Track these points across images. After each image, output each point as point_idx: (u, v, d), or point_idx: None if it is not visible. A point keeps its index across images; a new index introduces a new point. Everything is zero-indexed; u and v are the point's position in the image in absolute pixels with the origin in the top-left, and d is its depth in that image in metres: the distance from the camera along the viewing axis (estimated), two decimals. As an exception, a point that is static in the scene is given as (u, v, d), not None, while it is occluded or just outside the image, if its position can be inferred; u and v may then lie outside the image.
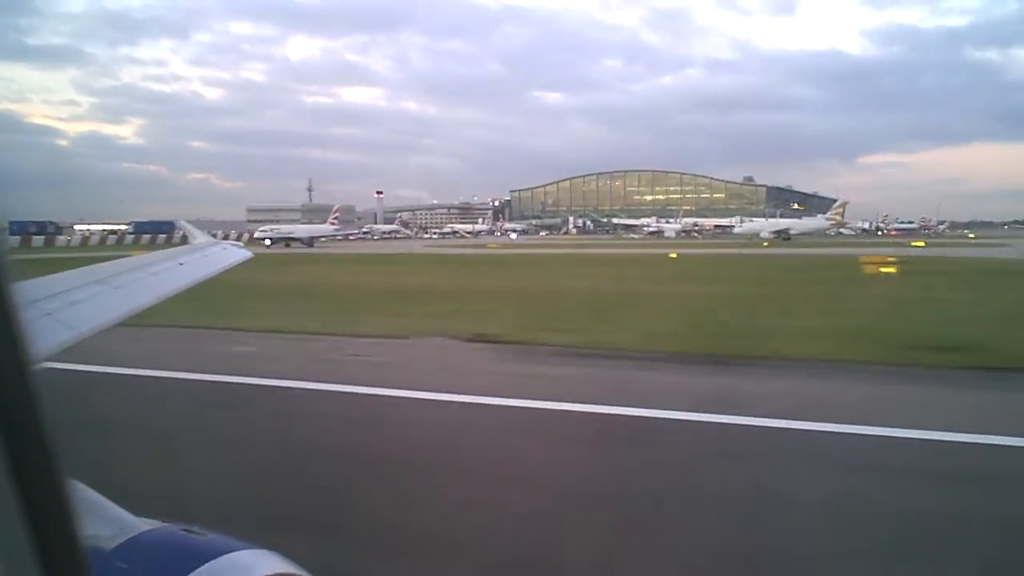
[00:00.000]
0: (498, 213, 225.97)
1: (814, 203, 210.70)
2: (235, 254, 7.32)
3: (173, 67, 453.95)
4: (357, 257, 60.58)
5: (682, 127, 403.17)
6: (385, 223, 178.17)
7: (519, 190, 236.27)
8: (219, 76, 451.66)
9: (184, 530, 1.90)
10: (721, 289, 28.52)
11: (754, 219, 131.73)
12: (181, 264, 5.53)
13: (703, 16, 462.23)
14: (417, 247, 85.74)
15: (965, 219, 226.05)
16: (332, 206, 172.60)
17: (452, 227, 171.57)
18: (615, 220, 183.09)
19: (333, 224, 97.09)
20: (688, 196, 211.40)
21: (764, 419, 9.38)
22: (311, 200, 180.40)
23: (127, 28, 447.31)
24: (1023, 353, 13.55)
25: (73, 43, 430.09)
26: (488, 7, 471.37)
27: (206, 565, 1.68)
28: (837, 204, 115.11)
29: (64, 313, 3.31)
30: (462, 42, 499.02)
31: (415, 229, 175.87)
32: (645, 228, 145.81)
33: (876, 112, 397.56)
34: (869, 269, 36.41)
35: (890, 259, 43.03)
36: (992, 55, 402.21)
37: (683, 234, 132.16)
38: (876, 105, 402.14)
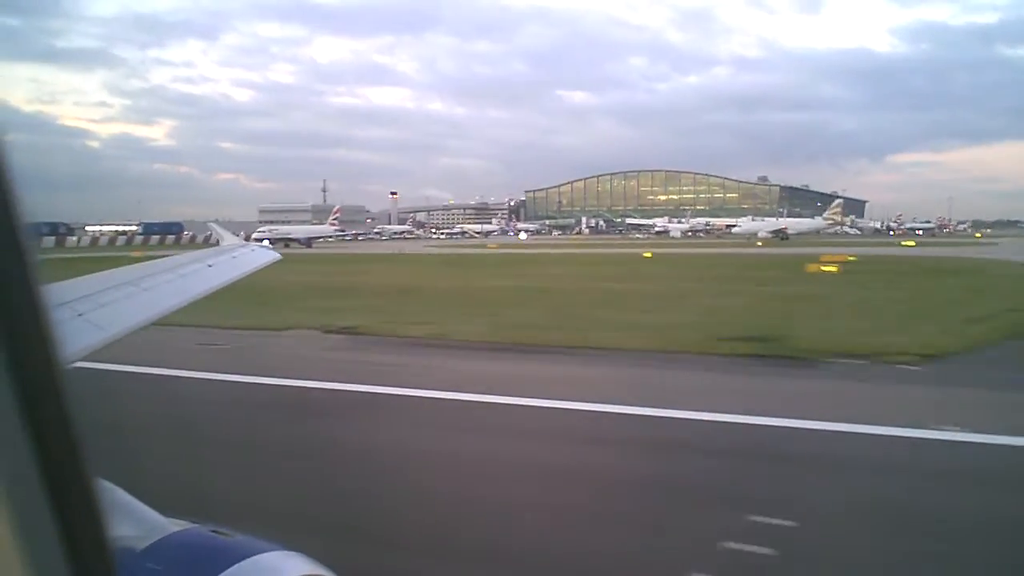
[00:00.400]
0: (514, 213, 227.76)
1: (833, 202, 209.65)
2: (263, 256, 7.59)
3: (202, 69, 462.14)
4: (340, 257, 62.37)
5: (708, 126, 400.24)
6: (399, 223, 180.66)
7: (534, 190, 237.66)
8: (248, 77, 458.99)
9: (213, 531, 1.93)
10: (636, 286, 29.76)
11: (765, 219, 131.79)
12: (210, 266, 5.67)
13: (729, 15, 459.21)
14: (416, 247, 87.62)
15: (993, 218, 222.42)
16: (355, 207, 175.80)
17: (462, 227, 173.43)
18: (628, 220, 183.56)
19: (333, 225, 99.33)
20: (702, 196, 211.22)
21: (468, 394, 10.92)
22: (325, 200, 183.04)
23: (156, 30, 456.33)
24: (815, 345, 14.72)
25: (103, 46, 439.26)
26: (513, 7, 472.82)
27: (234, 566, 1.71)
28: (834, 204, 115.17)
29: (95, 315, 3.37)
30: (488, 42, 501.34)
31: (428, 229, 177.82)
32: (653, 228, 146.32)
33: (906, 111, 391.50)
34: (811, 268, 37.32)
35: (848, 258, 44.07)
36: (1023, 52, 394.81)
37: (689, 234, 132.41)
38: (906, 104, 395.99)
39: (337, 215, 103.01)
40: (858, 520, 6.30)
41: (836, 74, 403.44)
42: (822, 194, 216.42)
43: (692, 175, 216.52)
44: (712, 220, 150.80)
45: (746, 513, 6.17)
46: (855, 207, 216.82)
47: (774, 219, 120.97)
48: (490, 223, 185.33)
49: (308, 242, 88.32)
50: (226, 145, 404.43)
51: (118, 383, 12.18)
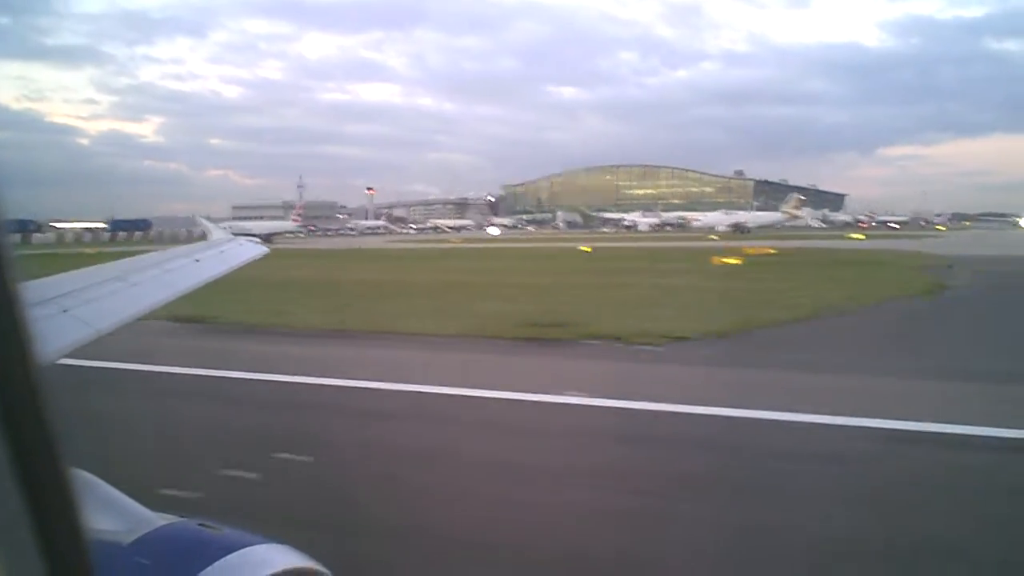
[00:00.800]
0: (493, 208, 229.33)
1: (810, 196, 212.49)
2: (251, 250, 7.60)
3: (191, 66, 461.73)
4: (286, 252, 63.44)
5: (698, 121, 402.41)
6: (376, 219, 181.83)
7: (513, 185, 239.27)
8: (237, 74, 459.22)
9: (200, 525, 1.93)
10: (525, 279, 31.11)
11: (737, 212, 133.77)
12: (197, 261, 5.66)
13: (718, 10, 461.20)
14: (376, 242, 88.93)
15: (984, 211, 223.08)
16: (327, 203, 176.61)
17: (434, 223, 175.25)
18: (605, 215, 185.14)
19: (295, 221, 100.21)
20: (678, 190, 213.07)
21: (212, 371, 12.37)
22: (301, 197, 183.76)
23: (144, 27, 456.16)
24: (599, 330, 16.07)
25: (91, 43, 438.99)
26: (502, 2, 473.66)
27: (222, 559, 1.71)
28: (791, 198, 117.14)
29: (82, 310, 3.33)
30: (477, 38, 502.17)
31: (404, 224, 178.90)
32: (622, 222, 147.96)
33: (895, 104, 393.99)
34: (715, 261, 38.82)
35: (768, 251, 45.58)
36: (1011, 46, 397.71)
37: (657, 228, 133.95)
38: (895, 97, 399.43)
39: (299, 212, 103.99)
40: (370, 457, 7.79)
41: (826, 68, 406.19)
42: (800, 188, 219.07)
43: (670, 170, 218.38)
44: (686, 214, 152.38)
45: (275, 451, 7.63)
46: (835, 201, 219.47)
47: (746, 212, 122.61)
48: (463, 218, 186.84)
49: (268, 238, 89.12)
50: (215, 142, 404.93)
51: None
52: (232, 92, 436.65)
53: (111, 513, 1.96)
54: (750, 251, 47.90)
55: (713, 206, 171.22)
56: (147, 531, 1.87)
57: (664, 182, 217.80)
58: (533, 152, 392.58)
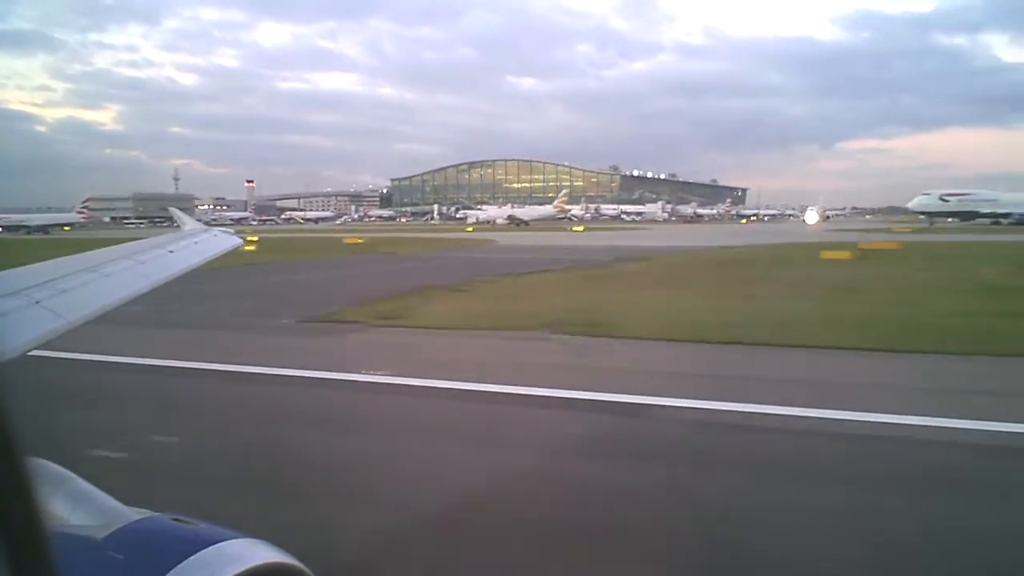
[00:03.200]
0: (386, 201, 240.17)
1: (705, 191, 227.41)
2: (225, 241, 7.41)
3: (145, 52, 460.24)
4: (48, 243, 72.87)
5: (660, 113, 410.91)
6: (259, 212, 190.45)
7: (399, 179, 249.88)
8: (192, 62, 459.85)
9: (174, 519, 1.90)
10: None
11: (601, 206, 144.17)
12: (171, 252, 5.53)
13: (670, 1, 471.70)
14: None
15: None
16: (184, 195, 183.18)
17: (289, 214, 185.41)
18: (484, 207, 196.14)
19: (80, 213, 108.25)
20: (552, 184, 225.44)
21: None
22: (177, 189, 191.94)
23: (94, 13, 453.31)
24: None
25: (41, 28, 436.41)
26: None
27: (196, 554, 1.68)
28: (563, 193, 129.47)
29: (53, 301, 3.29)
30: (432, 28, 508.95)
31: (262, 217, 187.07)
32: (455, 215, 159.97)
33: (851, 98, 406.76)
34: (348, 242, 49.13)
35: (358, 241, 56.57)
36: (960, 41, 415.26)
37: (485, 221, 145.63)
38: (850, 91, 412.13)
39: (86, 204, 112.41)
40: None
41: (781, 62, 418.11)
42: (699, 184, 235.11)
43: (543, 164, 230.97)
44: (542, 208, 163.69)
45: None
46: (736, 195, 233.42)
47: (521, 207, 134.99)
48: (328, 210, 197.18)
49: (45, 229, 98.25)
50: (176, 130, 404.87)
51: None
52: (188, 80, 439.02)
53: (84, 507, 1.98)
54: (353, 240, 59.29)
55: (583, 199, 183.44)
56: (121, 526, 1.83)
57: (540, 176, 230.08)
58: (496, 142, 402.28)
